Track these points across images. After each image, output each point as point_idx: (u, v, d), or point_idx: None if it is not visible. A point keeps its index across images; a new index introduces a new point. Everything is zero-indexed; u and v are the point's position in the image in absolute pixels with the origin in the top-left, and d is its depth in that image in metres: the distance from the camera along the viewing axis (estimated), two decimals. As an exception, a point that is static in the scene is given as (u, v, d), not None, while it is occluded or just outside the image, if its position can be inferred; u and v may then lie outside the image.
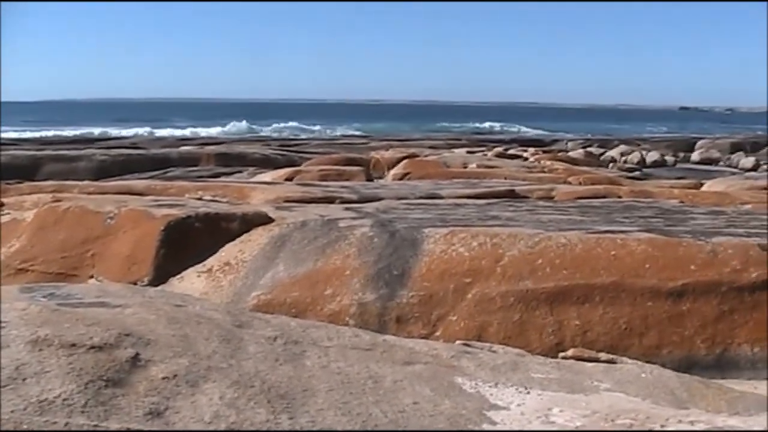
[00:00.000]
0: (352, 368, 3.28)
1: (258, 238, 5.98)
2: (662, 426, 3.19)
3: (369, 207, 7.18)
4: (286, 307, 5.12)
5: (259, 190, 8.58)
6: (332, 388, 2.99)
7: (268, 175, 14.12)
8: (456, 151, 27.05)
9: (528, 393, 3.46)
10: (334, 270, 5.37)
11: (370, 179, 14.31)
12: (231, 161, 19.58)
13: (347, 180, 12.70)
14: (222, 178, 14.64)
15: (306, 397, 2.82)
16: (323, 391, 2.92)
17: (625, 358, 4.40)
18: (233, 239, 6.06)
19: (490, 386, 3.46)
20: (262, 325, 3.65)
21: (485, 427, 2.97)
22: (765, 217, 7.33)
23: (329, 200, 8.05)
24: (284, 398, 2.76)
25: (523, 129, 60.60)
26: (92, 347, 2.79)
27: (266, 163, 19.25)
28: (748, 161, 31.20)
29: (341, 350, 3.52)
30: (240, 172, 17.39)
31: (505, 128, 61.63)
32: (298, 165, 17.09)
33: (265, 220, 6.26)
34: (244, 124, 60.08)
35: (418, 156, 18.79)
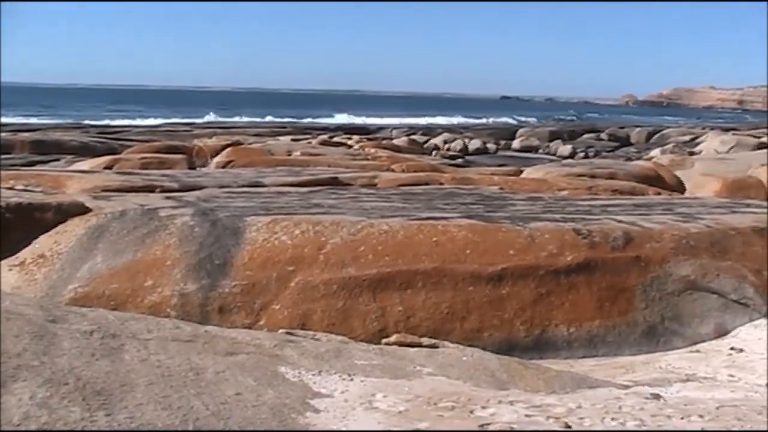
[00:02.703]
0: (172, 361, 3.22)
1: (74, 228, 5.77)
2: (483, 407, 3.27)
3: (190, 196, 7.06)
4: (105, 299, 4.97)
5: (76, 179, 8.29)
6: (152, 381, 2.92)
7: (86, 164, 13.67)
8: (281, 138, 26.98)
9: (351, 380, 3.48)
10: (154, 260, 5.25)
11: (192, 167, 14.09)
12: (47, 149, 18.83)
13: (169, 168, 12.46)
14: (37, 167, 14.04)
15: (124, 392, 2.75)
16: (142, 386, 2.85)
17: (447, 343, 4.50)
18: (48, 230, 5.83)
19: (313, 374, 3.47)
20: (78, 319, 3.53)
21: (309, 415, 2.97)
22: (580, 202, 7.64)
23: (149, 189, 7.86)
24: (101, 394, 2.67)
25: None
26: None
27: (85, 151, 18.61)
28: (565, 149, 32.52)
29: (161, 343, 3.45)
30: (57, 160, 16.75)
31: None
32: (119, 153, 16.62)
33: (82, 210, 6.05)
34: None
35: (242, 144, 18.61)
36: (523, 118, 68.93)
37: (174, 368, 3.13)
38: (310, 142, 23.40)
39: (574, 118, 79.99)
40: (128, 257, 5.32)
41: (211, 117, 56.64)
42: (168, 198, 6.75)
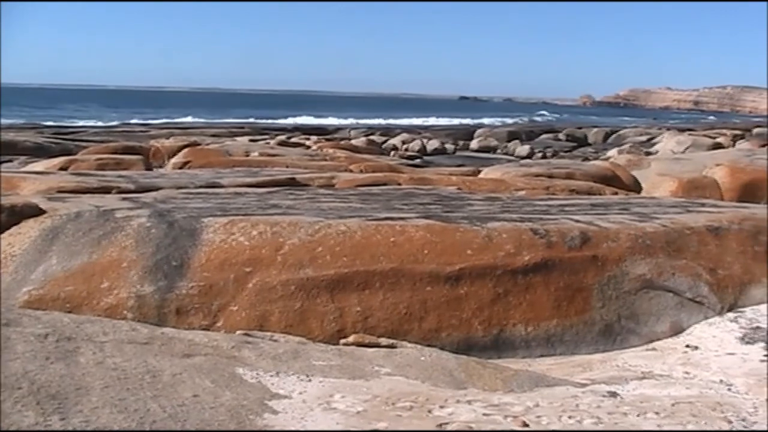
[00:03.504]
0: (128, 363, 3.19)
1: (28, 230, 5.69)
2: (441, 406, 3.29)
3: (147, 197, 7.00)
4: (60, 302, 4.91)
5: (30, 180, 8.19)
6: (108, 384, 2.90)
7: (40, 165, 13.50)
8: (238, 139, 26.90)
9: (310, 380, 3.48)
10: (110, 262, 5.20)
11: (149, 168, 13.98)
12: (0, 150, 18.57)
13: (125, 169, 12.34)
14: (-10, 168, 13.85)
15: (79, 396, 2.72)
16: (98, 389, 2.83)
17: (405, 343, 4.51)
18: (1, 232, 5.75)
19: (271, 375, 3.46)
20: (32, 322, 3.49)
21: (267, 416, 2.97)
22: (538, 202, 7.68)
23: (105, 190, 7.78)
24: (55, 398, 2.65)
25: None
26: None
27: (39, 152, 18.38)
28: (523, 149, 32.75)
29: (117, 345, 3.42)
30: (10, 161, 16.53)
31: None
32: (74, 154, 16.44)
33: (36, 211, 5.97)
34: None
35: (199, 144, 18.51)
36: (509, 119, 69.89)
37: (130, 371, 3.10)
38: (268, 143, 23.34)
39: (554, 118, 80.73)
40: (84, 259, 5.26)
41: (167, 118, 56.27)
42: (124, 199, 6.70)
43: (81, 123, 45.41)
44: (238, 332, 4.44)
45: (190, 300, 4.95)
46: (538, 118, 78.65)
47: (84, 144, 20.89)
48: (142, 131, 33.99)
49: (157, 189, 8.04)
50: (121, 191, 7.80)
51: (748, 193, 12.88)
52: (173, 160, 14.73)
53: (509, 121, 68.09)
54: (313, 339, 4.63)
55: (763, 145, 28.80)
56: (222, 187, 8.73)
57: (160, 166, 15.10)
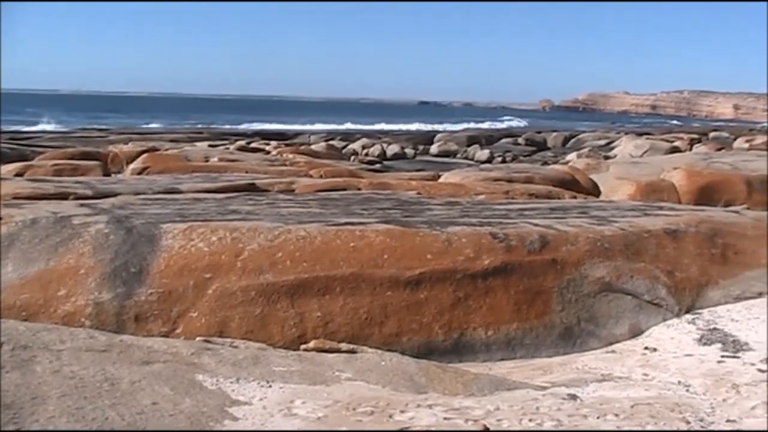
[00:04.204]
0: (86, 371, 3.16)
1: (-17, 237, 5.62)
2: (402, 411, 3.29)
3: (105, 203, 6.93)
4: (16, 310, 4.85)
5: (-15, 186, 8.09)
6: (65, 393, 2.87)
7: (-5, 171, 13.34)
8: (198, 144, 26.77)
9: (270, 386, 3.47)
10: (67, 269, 5.14)
11: (107, 174, 13.88)
12: (-49, 156, 18.33)
13: (83, 175, 12.23)
14: (-58, 175, 13.66)
15: (36, 405, 2.69)
16: (55, 398, 2.80)
17: (365, 347, 4.51)
18: (-45, 240, 5.67)
19: (231, 382, 3.45)
20: (-13, 330, 3.45)
21: (227, 423, 2.95)
22: (497, 206, 7.71)
23: (63, 196, 7.71)
24: (11, 408, 2.61)
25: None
26: None
27: (-7, 158, 18.18)
28: (483, 153, 32.91)
29: (75, 353, 3.39)
30: (-38, 167, 16.32)
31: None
32: (30, 159, 16.28)
33: (-9, 218, 5.89)
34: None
35: (158, 150, 18.40)
36: (484, 124, 70.24)
37: (88, 379, 3.07)
38: (227, 148, 23.25)
39: (524, 123, 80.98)
40: (40, 266, 5.20)
41: (124, 122, 55.89)
42: (82, 205, 6.62)
43: (37, 128, 44.89)
44: (197, 339, 4.41)
45: (149, 307, 4.91)
46: (503, 125, 78.81)
47: (40, 149, 20.65)
48: (100, 136, 33.70)
49: (115, 195, 7.97)
50: (78, 197, 7.73)
51: (704, 195, 13.03)
52: (132, 166, 14.62)
53: (485, 126, 68.33)
54: (274, 345, 4.62)
55: (720, 149, 29.22)
56: (181, 192, 8.68)
57: (119, 172, 15.01)
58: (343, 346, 4.46)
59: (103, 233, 5.41)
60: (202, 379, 3.39)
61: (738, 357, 4.87)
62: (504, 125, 75.90)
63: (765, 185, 13.77)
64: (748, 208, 10.53)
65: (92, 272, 5.08)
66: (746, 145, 37.17)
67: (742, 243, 6.64)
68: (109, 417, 2.73)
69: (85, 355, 3.40)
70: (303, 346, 4.52)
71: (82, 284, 5.01)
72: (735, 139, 42.92)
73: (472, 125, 67.95)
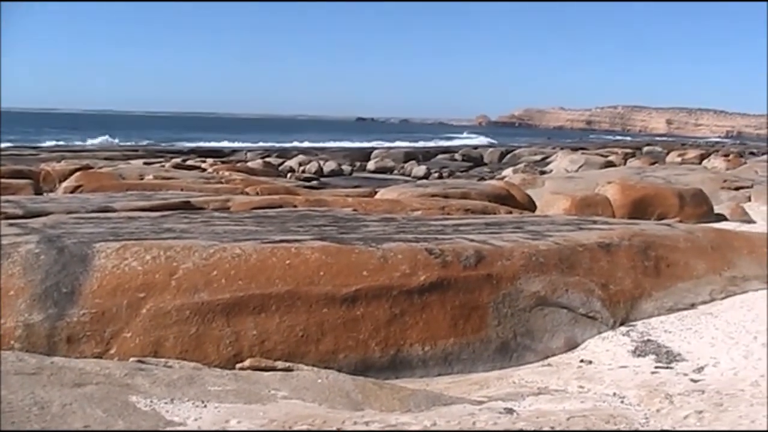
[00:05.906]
0: (15, 395, 3.09)
1: None
2: (338, 429, 3.27)
3: (36, 222, 6.81)
4: (-58, 333, 4.73)
5: None
6: (-8, 418, 2.80)
7: None
8: (133, 162, 26.53)
9: (205, 407, 3.43)
10: (-4, 291, 5.03)
11: (39, 193, 13.67)
12: None
13: (13, 194, 12.02)
14: None
15: (-39, 431, 2.62)
16: (-19, 423, 2.73)
17: (302, 365, 4.48)
18: None
19: (165, 402, 3.40)
20: None
21: (161, 445, 2.91)
22: (433, 222, 7.74)
23: (-8, 216, 7.56)
24: (-65, 434, 2.54)
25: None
26: None
27: None
28: (420, 169, 33.14)
29: (3, 377, 3.31)
30: None
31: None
32: (-42, 178, 15.96)
33: None
34: None
35: (91, 168, 18.18)
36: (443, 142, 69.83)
37: (16, 403, 3.01)
38: (163, 166, 23.08)
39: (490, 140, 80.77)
40: (-32, 288, 5.09)
41: (54, 141, 55.06)
42: (11, 225, 6.50)
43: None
44: (131, 359, 4.35)
45: (81, 327, 4.83)
46: (473, 141, 78.14)
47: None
48: (31, 154, 33.24)
49: (46, 214, 7.84)
50: (8, 217, 7.59)
51: (638, 209, 13.27)
52: (64, 184, 14.44)
53: (443, 143, 67.79)
54: (210, 364, 4.57)
55: (653, 163, 29.77)
56: (114, 211, 8.57)
57: (51, 191, 14.80)
58: (279, 364, 4.43)
59: (34, 253, 5.31)
60: (135, 401, 3.34)
61: (671, 368, 4.95)
62: (474, 141, 75.69)
63: (696, 199, 14.07)
64: (680, 221, 10.75)
65: (22, 293, 4.98)
66: (679, 159, 38.00)
67: (675, 255, 6.76)
68: (39, 441, 2.68)
69: (13, 378, 3.33)
70: (239, 365, 4.48)
71: (11, 306, 4.91)
72: (668, 154, 43.84)
73: (440, 143, 67.52)
